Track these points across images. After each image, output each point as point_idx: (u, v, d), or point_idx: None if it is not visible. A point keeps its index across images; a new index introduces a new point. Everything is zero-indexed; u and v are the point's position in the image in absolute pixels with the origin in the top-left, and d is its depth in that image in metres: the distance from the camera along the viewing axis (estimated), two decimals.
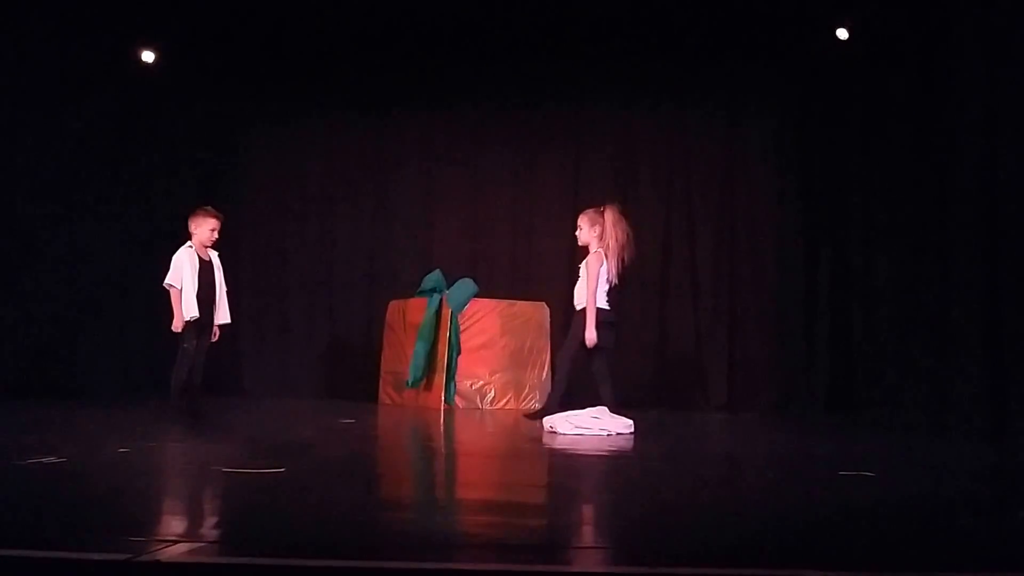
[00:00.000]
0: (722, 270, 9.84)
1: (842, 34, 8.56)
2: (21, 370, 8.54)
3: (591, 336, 6.42)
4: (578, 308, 6.59)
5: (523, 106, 10.20)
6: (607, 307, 6.59)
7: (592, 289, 6.47)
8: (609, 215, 6.55)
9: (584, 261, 6.67)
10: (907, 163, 7.65)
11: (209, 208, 6.83)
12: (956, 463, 5.21)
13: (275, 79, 10.26)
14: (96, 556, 2.37)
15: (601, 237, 6.56)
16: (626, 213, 6.66)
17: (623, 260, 6.64)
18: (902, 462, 5.20)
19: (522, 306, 9.29)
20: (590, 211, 6.66)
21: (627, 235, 6.56)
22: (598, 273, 6.48)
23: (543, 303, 9.44)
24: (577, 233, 6.70)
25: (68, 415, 6.96)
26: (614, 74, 9.89)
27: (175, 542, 2.57)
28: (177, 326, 6.55)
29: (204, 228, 6.71)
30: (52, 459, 4.16)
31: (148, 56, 9.47)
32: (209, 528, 3.02)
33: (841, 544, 2.82)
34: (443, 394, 8.77)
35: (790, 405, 9.21)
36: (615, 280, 6.65)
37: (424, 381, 8.92)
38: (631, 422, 6.32)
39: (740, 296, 9.75)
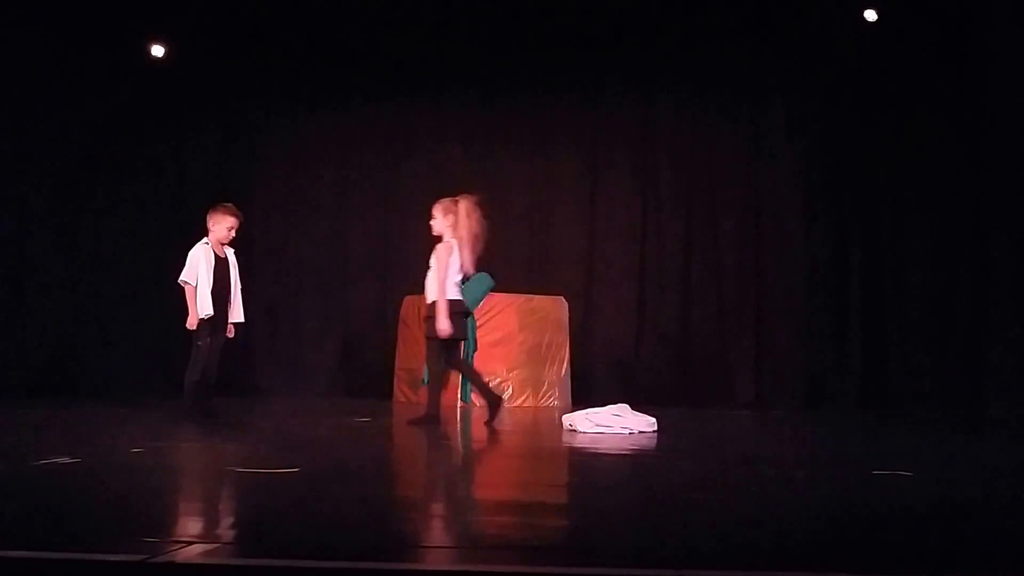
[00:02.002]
0: (747, 263, 9.70)
1: (870, 15, 8.36)
2: (34, 370, 8.51)
3: (443, 328, 6.36)
4: (429, 301, 6.52)
5: (540, 97, 10.11)
6: (459, 297, 6.55)
7: (441, 279, 6.42)
8: (463, 205, 6.52)
9: (434, 251, 6.61)
10: (940, 151, 7.52)
11: (229, 206, 6.75)
12: (996, 463, 5.08)
13: (287, 74, 10.22)
14: (111, 557, 2.34)
15: (454, 227, 6.51)
16: (481, 204, 6.58)
17: (475, 251, 6.57)
18: (939, 461, 5.08)
19: (540, 301, 9.20)
20: (445, 200, 6.64)
21: (480, 226, 6.51)
22: (447, 263, 6.44)
23: (561, 298, 9.35)
24: (432, 223, 6.64)
25: (82, 415, 6.93)
26: (632, 63, 9.79)
27: (190, 543, 2.53)
28: (192, 323, 6.48)
29: (222, 226, 6.63)
30: (66, 459, 4.12)
31: (158, 50, 9.43)
32: (224, 529, 2.96)
33: (876, 547, 2.72)
34: (459, 392, 8.68)
35: (820, 402, 9.06)
36: (471, 270, 6.60)
37: None
38: (654, 420, 6.22)
39: (767, 290, 9.61)
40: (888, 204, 8.51)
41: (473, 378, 6.71)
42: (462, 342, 6.64)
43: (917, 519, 3.23)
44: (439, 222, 6.58)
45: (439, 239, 6.56)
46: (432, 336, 6.43)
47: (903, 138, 8.28)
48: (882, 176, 8.65)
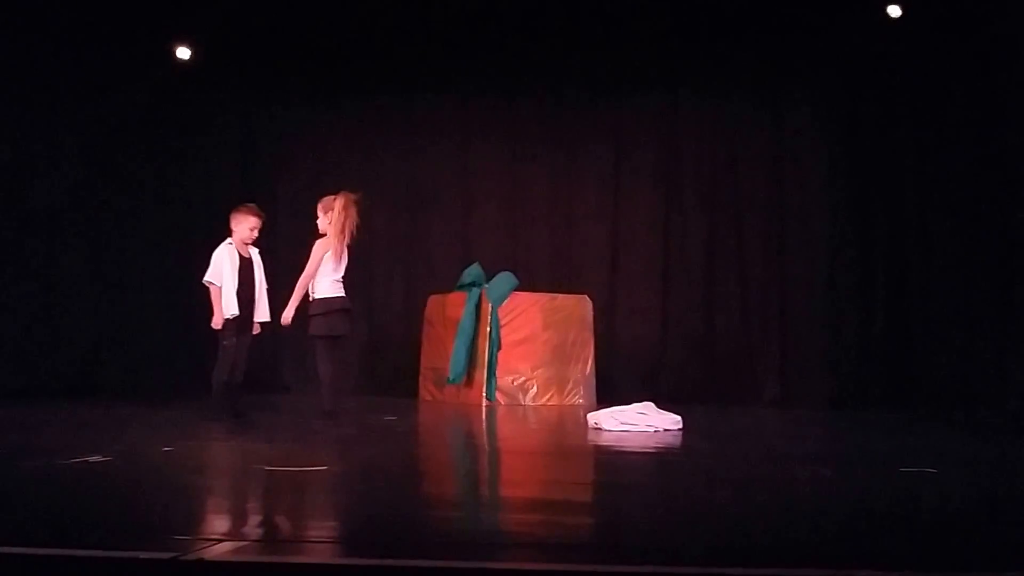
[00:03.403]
0: (772, 261, 9.61)
1: (894, 11, 8.27)
2: (64, 370, 8.61)
3: (286, 317, 6.41)
4: (312, 298, 6.53)
5: (563, 95, 10.08)
6: (341, 294, 6.59)
7: (309, 273, 6.49)
8: (339, 201, 6.56)
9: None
10: (964, 146, 7.44)
11: (252, 205, 6.82)
12: (1021, 461, 5.03)
13: (310, 73, 10.22)
14: (141, 555, 2.36)
15: (332, 223, 6.54)
16: (360, 202, 6.62)
17: (344, 247, 6.60)
18: (965, 459, 5.03)
19: (564, 300, 9.19)
20: (326, 198, 6.70)
21: (354, 223, 6.57)
22: (320, 258, 6.50)
23: (585, 296, 9.33)
24: (317, 221, 6.68)
25: (111, 414, 6.99)
26: (655, 62, 9.74)
27: (219, 541, 2.55)
28: (217, 323, 6.54)
29: (244, 226, 6.69)
30: (97, 458, 4.16)
31: (184, 53, 9.49)
32: (253, 527, 2.98)
33: (903, 543, 2.70)
34: (484, 390, 8.69)
35: (845, 400, 8.99)
36: (339, 267, 6.65)
37: (465, 377, 8.85)
38: (679, 418, 6.21)
39: (791, 288, 9.51)
40: (913, 203, 8.43)
41: (332, 382, 6.53)
42: (342, 339, 6.60)
43: (943, 516, 3.21)
44: (321, 219, 6.64)
45: (324, 235, 6.60)
46: (315, 334, 6.43)
47: (928, 136, 8.20)
48: (907, 175, 8.56)
